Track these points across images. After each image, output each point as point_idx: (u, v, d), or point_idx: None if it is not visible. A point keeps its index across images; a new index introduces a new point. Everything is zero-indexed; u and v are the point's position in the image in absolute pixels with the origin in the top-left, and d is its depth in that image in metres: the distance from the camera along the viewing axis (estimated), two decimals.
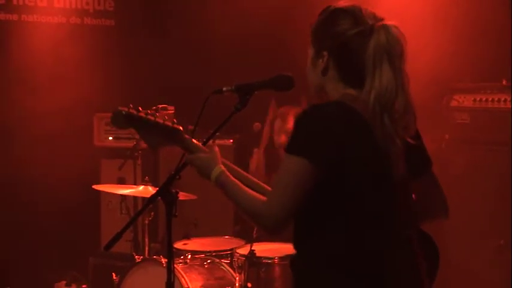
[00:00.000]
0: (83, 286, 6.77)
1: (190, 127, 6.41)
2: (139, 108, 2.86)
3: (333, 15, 2.58)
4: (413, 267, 2.53)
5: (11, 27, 6.95)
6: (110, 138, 6.79)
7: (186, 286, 4.58)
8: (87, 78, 6.56)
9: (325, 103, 2.53)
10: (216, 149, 2.84)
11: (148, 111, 2.88)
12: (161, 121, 2.83)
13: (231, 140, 6.34)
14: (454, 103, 4.73)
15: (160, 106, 5.77)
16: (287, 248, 4.60)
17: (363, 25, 2.50)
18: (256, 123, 5.37)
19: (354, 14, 2.53)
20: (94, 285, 6.66)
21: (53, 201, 6.68)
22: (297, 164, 2.38)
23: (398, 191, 2.50)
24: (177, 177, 2.87)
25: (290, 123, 5.29)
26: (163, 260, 4.61)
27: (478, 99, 4.67)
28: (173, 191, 2.87)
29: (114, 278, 5.04)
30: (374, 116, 2.41)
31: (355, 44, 2.50)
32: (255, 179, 2.92)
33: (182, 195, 2.99)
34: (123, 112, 2.83)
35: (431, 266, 2.66)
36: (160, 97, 6.05)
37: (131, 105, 2.86)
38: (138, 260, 4.96)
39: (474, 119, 4.72)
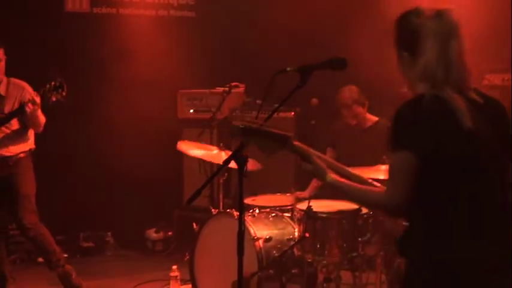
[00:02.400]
0: (169, 233, 6.91)
1: (259, 101, 6.54)
2: (254, 120, 2.82)
3: (402, 16, 2.55)
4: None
5: (111, 19, 7.08)
6: (191, 111, 6.84)
7: (254, 235, 4.61)
8: (172, 61, 6.63)
9: (415, 97, 2.42)
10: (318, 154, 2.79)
11: (261, 123, 2.81)
12: (273, 130, 2.78)
13: (292, 113, 6.32)
14: (485, 82, 4.62)
15: (233, 84, 5.82)
16: (339, 205, 4.62)
17: (422, 18, 2.47)
18: (314, 99, 5.35)
19: (415, 12, 2.50)
20: (178, 233, 6.81)
21: (145, 164, 6.79)
22: (401, 158, 2.34)
23: (494, 176, 2.38)
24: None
25: (354, 111, 5.28)
26: (235, 213, 4.67)
27: (506, 78, 4.55)
28: (244, 155, 2.90)
29: (195, 227, 5.11)
30: (459, 103, 2.33)
31: (426, 40, 2.44)
32: (349, 170, 2.86)
33: (250, 165, 3.00)
34: (240, 126, 2.79)
35: None
36: (233, 76, 6.07)
37: (247, 120, 2.82)
38: (214, 213, 5.01)
39: (504, 95, 4.60)
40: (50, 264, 5.30)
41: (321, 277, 4.82)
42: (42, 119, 5.17)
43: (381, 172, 4.32)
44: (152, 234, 6.90)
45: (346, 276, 5.08)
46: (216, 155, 5.10)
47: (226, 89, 5.75)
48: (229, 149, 5.12)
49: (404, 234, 2.49)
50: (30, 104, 4.95)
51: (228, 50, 6.74)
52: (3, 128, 5.12)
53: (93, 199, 6.85)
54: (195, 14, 7.33)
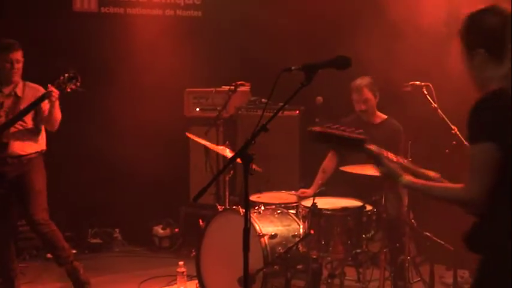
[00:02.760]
0: (176, 230, 6.89)
1: (264, 100, 6.50)
2: (330, 125, 2.81)
3: (478, 16, 2.53)
4: None
5: (118, 18, 7.06)
6: (197, 109, 6.82)
7: (259, 231, 4.59)
8: (179, 60, 6.59)
9: (489, 93, 2.40)
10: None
11: (337, 126, 2.81)
12: (347, 135, 2.78)
13: (297, 111, 6.29)
14: None
15: (238, 82, 5.79)
16: (344, 202, 4.60)
17: (502, 16, 2.46)
18: (318, 97, 5.30)
19: (493, 10, 2.49)
20: (185, 230, 6.79)
21: (152, 161, 6.77)
22: (480, 151, 2.33)
23: None
24: (253, 142, 2.88)
25: (365, 94, 5.21)
26: (241, 210, 4.65)
27: None
28: (250, 153, 2.88)
29: (201, 224, 5.09)
30: None
31: (499, 32, 2.45)
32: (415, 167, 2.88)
33: (256, 158, 2.99)
34: (316, 131, 2.78)
35: None
36: (239, 75, 6.04)
37: (323, 125, 2.82)
38: (220, 210, 4.98)
39: None
40: (59, 260, 5.29)
41: (325, 273, 4.82)
42: (58, 115, 5.17)
43: None
44: (159, 230, 6.88)
45: (350, 272, 5.07)
46: (221, 149, 5.10)
47: (232, 87, 5.73)
48: (234, 147, 5.10)
49: (478, 229, 2.45)
50: (53, 94, 4.96)
51: (234, 49, 6.70)
52: (18, 126, 5.12)
53: (101, 197, 6.82)
54: (201, 14, 7.30)
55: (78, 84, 5.11)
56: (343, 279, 4.96)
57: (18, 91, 5.22)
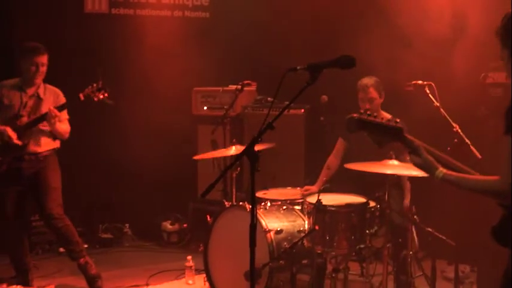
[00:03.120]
0: (184, 225, 6.89)
1: (270, 99, 6.49)
2: (368, 112, 2.78)
3: None
4: None
5: (128, 19, 7.06)
6: (205, 108, 6.82)
7: (265, 227, 4.59)
8: (187, 59, 6.59)
9: None
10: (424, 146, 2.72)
11: (373, 114, 2.78)
12: (385, 123, 2.76)
13: (302, 110, 6.28)
14: (489, 80, 4.54)
15: (245, 82, 5.78)
16: (348, 198, 4.60)
17: None
18: (323, 96, 5.30)
19: None
20: (193, 225, 6.79)
21: (161, 158, 6.80)
22: None
23: None
24: (259, 139, 2.87)
25: (371, 94, 5.20)
26: (248, 206, 4.65)
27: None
28: (256, 150, 2.87)
29: (208, 219, 5.09)
30: None
31: None
32: (448, 157, 2.76)
33: (263, 145, 2.97)
34: (355, 118, 2.76)
35: None
36: (245, 74, 6.04)
37: (361, 111, 2.79)
38: (227, 206, 4.97)
39: (507, 93, 4.52)
40: (72, 254, 5.31)
41: (330, 268, 4.80)
42: (62, 129, 5.24)
43: (387, 167, 4.28)
44: (168, 226, 6.89)
45: (354, 266, 5.05)
46: (232, 152, 5.06)
47: (239, 87, 5.73)
48: (241, 144, 5.09)
49: (507, 222, 2.40)
50: (51, 118, 5.02)
51: (241, 49, 6.70)
52: (40, 126, 5.17)
53: (112, 193, 6.85)
54: (209, 15, 7.30)
55: (106, 95, 5.20)
56: (347, 273, 4.95)
57: (41, 93, 5.27)
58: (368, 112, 2.78)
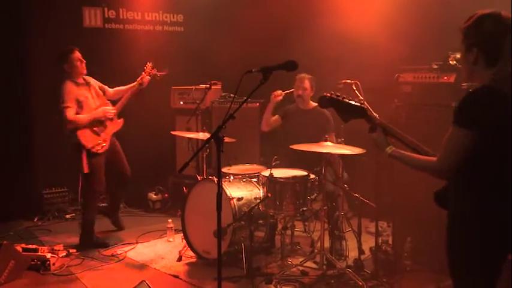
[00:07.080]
0: (165, 195, 6.83)
1: (232, 95, 6.43)
2: (337, 93, 2.71)
3: (479, 19, 2.27)
4: None
5: (118, 33, 6.93)
6: (181, 102, 6.76)
7: (229, 195, 4.60)
8: (167, 64, 6.46)
9: (479, 88, 2.20)
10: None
11: (342, 95, 2.70)
12: (352, 102, 2.68)
13: (257, 104, 6.28)
14: (400, 79, 4.58)
15: (212, 82, 5.75)
16: (293, 172, 4.61)
17: (503, 24, 2.24)
18: (278, 90, 5.29)
19: (495, 17, 2.25)
20: (172, 195, 6.74)
21: (147, 143, 6.73)
22: (461, 134, 2.17)
23: None
24: (223, 126, 2.86)
25: (305, 84, 5.22)
26: (215, 179, 4.64)
27: (416, 76, 4.49)
28: (221, 135, 2.86)
29: (184, 190, 5.08)
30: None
31: (497, 39, 2.23)
32: (409, 137, 2.59)
33: (226, 139, 2.97)
34: (327, 97, 2.70)
35: None
36: (213, 76, 6.00)
37: (332, 92, 2.72)
38: (199, 179, 4.97)
39: (414, 89, 4.55)
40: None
41: (280, 226, 4.83)
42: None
43: (323, 147, 4.30)
44: (153, 196, 6.82)
45: (298, 225, 5.10)
46: (201, 136, 5.05)
47: (208, 85, 5.69)
48: (209, 131, 5.06)
49: (446, 190, 2.34)
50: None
51: (209, 56, 6.62)
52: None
53: None
54: (183, 29, 7.22)
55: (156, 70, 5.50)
56: (293, 230, 5.02)
57: (88, 80, 5.27)
58: (337, 93, 2.74)
